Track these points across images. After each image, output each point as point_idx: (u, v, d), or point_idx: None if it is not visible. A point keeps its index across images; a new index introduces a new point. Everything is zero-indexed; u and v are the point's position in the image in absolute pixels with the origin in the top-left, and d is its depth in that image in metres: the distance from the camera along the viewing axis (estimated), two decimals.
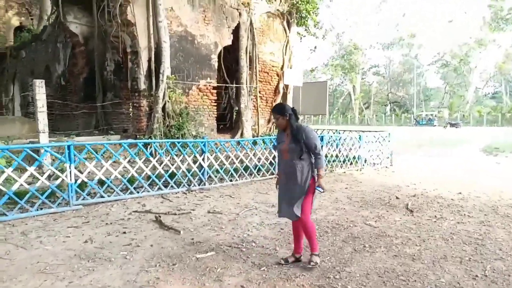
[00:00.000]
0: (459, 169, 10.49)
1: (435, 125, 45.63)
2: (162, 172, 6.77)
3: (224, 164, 7.80)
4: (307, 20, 13.70)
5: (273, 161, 8.63)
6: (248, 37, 11.88)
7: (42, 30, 13.98)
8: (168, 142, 7.08)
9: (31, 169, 5.20)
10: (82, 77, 11.98)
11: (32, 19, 20.23)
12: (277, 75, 13.26)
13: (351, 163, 10.39)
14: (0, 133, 9.27)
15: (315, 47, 15.03)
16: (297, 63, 13.65)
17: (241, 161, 8.16)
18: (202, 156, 7.33)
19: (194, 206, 6.04)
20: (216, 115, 11.37)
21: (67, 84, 12.51)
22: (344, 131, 13.10)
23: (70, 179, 5.57)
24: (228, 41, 11.47)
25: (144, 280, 3.40)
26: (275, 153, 8.00)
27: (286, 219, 4.62)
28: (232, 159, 8.01)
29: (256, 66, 12.20)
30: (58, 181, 5.57)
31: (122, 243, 4.32)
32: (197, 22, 10.52)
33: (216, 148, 7.79)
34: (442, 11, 77.43)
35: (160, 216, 5.26)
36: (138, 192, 6.48)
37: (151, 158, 6.65)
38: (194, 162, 7.37)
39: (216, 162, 7.61)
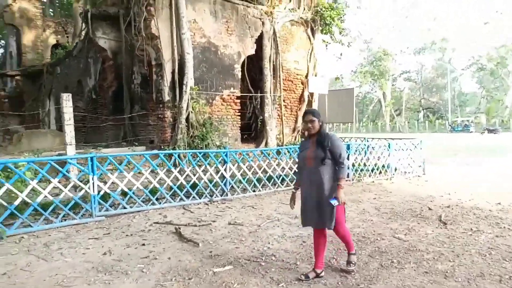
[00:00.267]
0: (498, 178, 9.83)
1: (471, 132, 43.55)
2: (184, 182, 6.74)
3: (247, 174, 7.69)
4: (331, 27, 13.47)
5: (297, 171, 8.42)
6: (271, 46, 11.81)
7: (74, 46, 14.59)
8: (189, 152, 7.07)
9: (55, 181, 5.30)
10: (111, 90, 12.33)
11: (67, 36, 21.27)
12: (302, 83, 13.07)
13: (380, 172, 9.99)
14: (34, 146, 9.65)
15: (341, 54, 14.71)
16: (323, 71, 13.43)
17: (265, 171, 8.02)
18: (224, 167, 7.26)
19: (215, 218, 5.94)
20: (240, 125, 11.32)
21: (97, 98, 12.92)
22: (373, 138, 12.67)
23: (93, 191, 5.63)
24: (252, 51, 11.45)
25: None
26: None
27: (309, 231, 4.45)
28: (255, 169, 7.88)
29: (280, 75, 12.09)
30: (81, 193, 5.65)
31: (140, 256, 4.27)
32: (220, 33, 10.58)
33: (239, 158, 7.69)
34: (475, 13, 74.62)
35: (180, 228, 5.19)
36: (160, 203, 6.47)
37: (172, 169, 6.64)
38: (217, 173, 7.30)
39: (238, 172, 7.51)
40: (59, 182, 5.48)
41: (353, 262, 3.78)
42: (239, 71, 11.15)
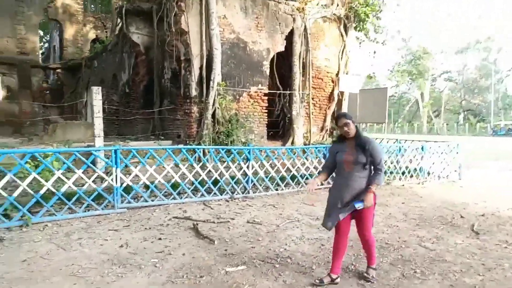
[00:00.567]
0: None
1: None
2: (206, 178, 6.72)
3: (270, 172, 7.56)
4: (366, 24, 12.99)
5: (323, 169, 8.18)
6: (302, 42, 11.58)
7: (110, 41, 15.03)
8: (212, 148, 7.04)
9: (79, 172, 5.43)
10: (142, 84, 12.61)
11: (106, 31, 22.02)
12: (332, 81, 12.73)
13: (412, 176, 9.54)
14: (68, 137, 10.02)
15: (374, 52, 14.12)
16: (356, 69, 12.99)
17: (289, 170, 7.86)
18: (247, 164, 7.17)
19: (234, 215, 5.87)
20: (266, 122, 11.20)
21: (130, 92, 13.25)
22: (406, 140, 12.13)
23: (116, 183, 5.72)
24: (281, 47, 11.28)
25: None
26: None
27: (329, 234, 4.28)
28: (278, 167, 7.74)
29: (309, 72, 11.83)
30: (104, 184, 5.76)
31: (156, 250, 4.27)
32: (249, 29, 10.49)
33: (262, 156, 7.58)
34: None
35: (197, 224, 5.17)
36: (181, 198, 6.49)
37: (194, 164, 6.63)
38: (239, 170, 7.23)
39: (261, 169, 7.40)
40: (84, 173, 5.62)
41: (371, 276, 3.55)
42: (267, 68, 11.01)
